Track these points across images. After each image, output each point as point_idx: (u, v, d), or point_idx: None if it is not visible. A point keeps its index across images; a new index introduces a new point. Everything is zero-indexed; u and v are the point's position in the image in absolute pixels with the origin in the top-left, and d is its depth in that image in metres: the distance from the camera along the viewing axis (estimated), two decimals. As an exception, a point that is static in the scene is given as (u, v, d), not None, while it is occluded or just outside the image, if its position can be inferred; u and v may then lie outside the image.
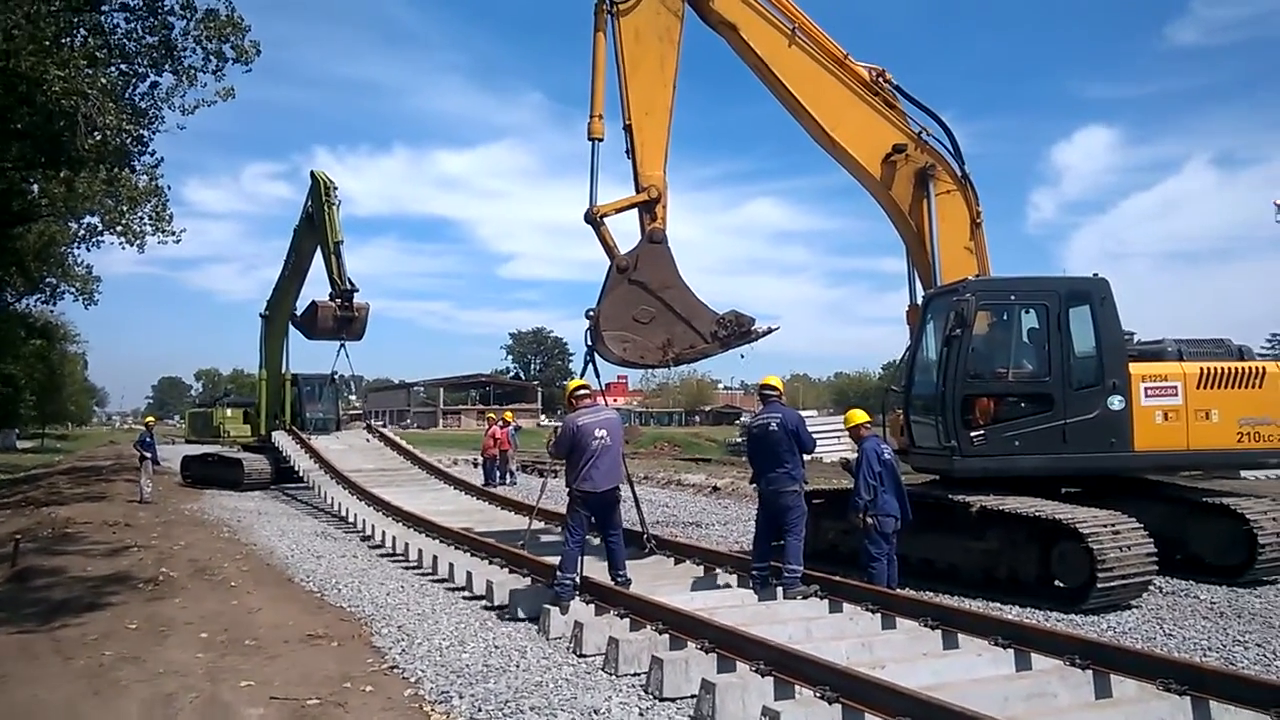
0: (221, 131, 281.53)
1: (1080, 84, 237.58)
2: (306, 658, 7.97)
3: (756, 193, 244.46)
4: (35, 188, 29.42)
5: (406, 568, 12.56)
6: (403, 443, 26.28)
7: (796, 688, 6.05)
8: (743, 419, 57.71)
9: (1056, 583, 9.96)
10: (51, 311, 46.61)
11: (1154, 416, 10.92)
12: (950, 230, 12.37)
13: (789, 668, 6.19)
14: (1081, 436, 10.76)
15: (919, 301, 12.59)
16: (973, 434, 10.79)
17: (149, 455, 22.32)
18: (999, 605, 9.72)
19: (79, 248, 37.32)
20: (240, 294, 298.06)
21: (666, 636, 7.46)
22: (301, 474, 22.70)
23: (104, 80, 18.10)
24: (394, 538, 14.11)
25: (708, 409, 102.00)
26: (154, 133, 21.71)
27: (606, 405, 10.80)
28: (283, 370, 29.14)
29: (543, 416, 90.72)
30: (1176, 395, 11.00)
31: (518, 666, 7.51)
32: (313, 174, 26.27)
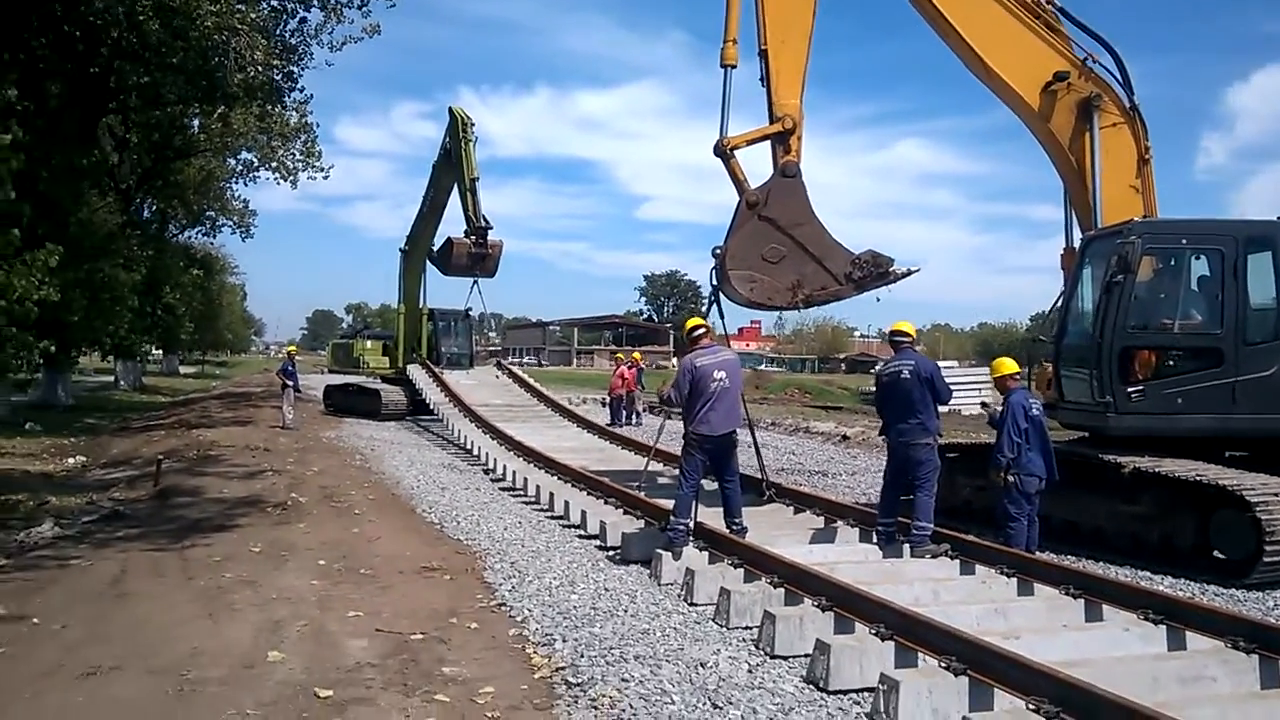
0: (372, 71, 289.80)
1: (1259, 19, 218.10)
2: (418, 590, 7.95)
3: (902, 134, 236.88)
4: (195, 124, 30.81)
5: (525, 503, 12.54)
6: (530, 380, 26.52)
7: (920, 655, 5.60)
8: (877, 368, 56.18)
9: (1215, 554, 9.10)
10: (211, 244, 49.30)
11: (1340, 378, 9.79)
12: (1115, 166, 11.27)
13: (912, 633, 5.73)
14: (1254, 396, 9.73)
15: (1076, 245, 11.62)
16: (1130, 390, 9.91)
17: (290, 383, 23.16)
18: (1149, 575, 8.96)
19: (236, 183, 39.30)
20: (388, 231, 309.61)
21: (782, 590, 7.08)
22: (432, 406, 23.18)
23: (254, 15, 18.52)
24: (514, 472, 14.14)
25: (842, 356, 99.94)
26: (303, 69, 22.27)
27: (729, 347, 10.37)
28: (420, 305, 29.74)
29: (674, 359, 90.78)
30: (1369, 355, 9.82)
31: (626, 612, 7.27)
32: (451, 110, 26.37)
